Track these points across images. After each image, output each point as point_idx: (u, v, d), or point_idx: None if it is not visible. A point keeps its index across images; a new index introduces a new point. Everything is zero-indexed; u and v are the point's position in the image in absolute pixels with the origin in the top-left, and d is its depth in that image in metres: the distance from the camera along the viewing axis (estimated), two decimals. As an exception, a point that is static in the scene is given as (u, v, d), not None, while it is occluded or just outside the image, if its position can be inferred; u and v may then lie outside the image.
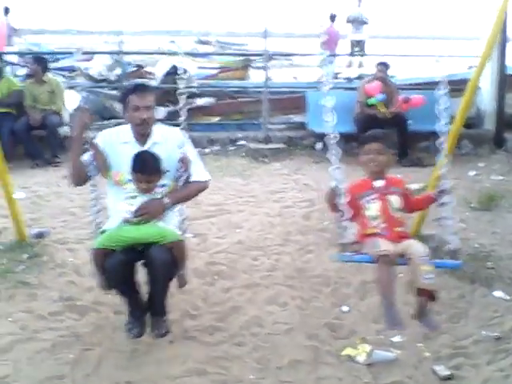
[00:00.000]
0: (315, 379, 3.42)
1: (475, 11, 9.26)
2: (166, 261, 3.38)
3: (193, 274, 4.70)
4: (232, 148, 9.16)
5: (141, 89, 3.62)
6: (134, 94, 3.57)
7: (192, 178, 3.71)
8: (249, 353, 3.66)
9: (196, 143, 8.82)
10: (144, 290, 3.66)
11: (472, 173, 8.08)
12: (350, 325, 4.04)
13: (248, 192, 6.99)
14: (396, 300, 3.21)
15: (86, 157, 3.64)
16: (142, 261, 3.53)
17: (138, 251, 3.45)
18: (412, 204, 3.51)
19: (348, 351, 3.68)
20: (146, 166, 3.44)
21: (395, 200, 3.37)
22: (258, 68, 13.29)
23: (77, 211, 6.03)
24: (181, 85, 4.12)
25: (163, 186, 3.58)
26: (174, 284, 3.68)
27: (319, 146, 9.05)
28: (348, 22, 14.14)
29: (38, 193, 6.82)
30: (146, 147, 3.64)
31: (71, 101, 9.99)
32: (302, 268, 4.87)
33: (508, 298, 4.39)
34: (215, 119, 10.32)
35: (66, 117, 8.78)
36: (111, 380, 3.33)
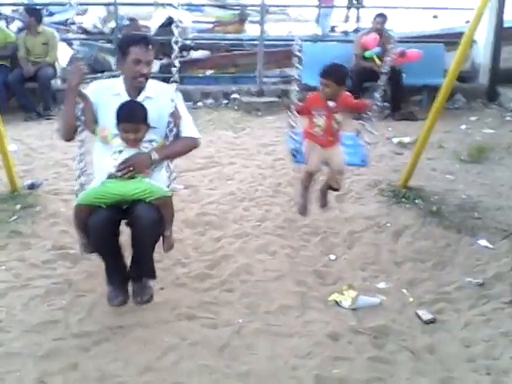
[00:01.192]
0: (302, 323, 3.52)
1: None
2: (153, 218, 3.23)
3: (184, 224, 4.79)
4: (225, 101, 9.14)
5: (145, 42, 3.46)
6: (136, 47, 3.41)
7: (182, 135, 3.56)
8: (238, 298, 3.76)
9: (189, 96, 8.98)
10: (127, 255, 3.51)
11: (463, 126, 8.10)
12: (337, 272, 4.14)
13: (240, 145, 7.02)
14: (308, 198, 4.38)
15: (77, 110, 3.48)
16: (126, 220, 3.38)
17: (123, 209, 3.33)
18: (351, 106, 4.19)
19: (334, 297, 3.79)
20: (133, 114, 3.30)
21: (338, 117, 4.11)
22: (254, 22, 13.13)
23: (70, 163, 6.02)
24: (175, 34, 3.62)
25: (151, 141, 3.41)
26: (159, 246, 3.47)
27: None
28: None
29: (31, 145, 6.84)
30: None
31: (64, 55, 9.94)
32: (291, 218, 4.94)
33: (492, 246, 4.49)
34: (209, 72, 10.26)
35: (59, 69, 8.72)
36: (104, 324, 3.42)
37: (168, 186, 3.50)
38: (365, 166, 4.68)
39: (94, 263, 4.08)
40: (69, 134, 3.54)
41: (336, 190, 4.42)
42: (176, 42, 3.50)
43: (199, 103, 9.05)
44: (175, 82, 3.52)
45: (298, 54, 4.15)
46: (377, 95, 4.44)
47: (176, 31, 3.51)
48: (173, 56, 3.54)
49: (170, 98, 3.45)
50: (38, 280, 3.90)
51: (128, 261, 3.52)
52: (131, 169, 3.25)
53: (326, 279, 4.05)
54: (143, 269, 3.49)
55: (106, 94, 3.53)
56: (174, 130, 3.49)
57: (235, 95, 9.22)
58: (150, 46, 3.47)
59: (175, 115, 3.48)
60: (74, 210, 3.31)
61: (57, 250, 4.31)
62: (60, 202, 5.15)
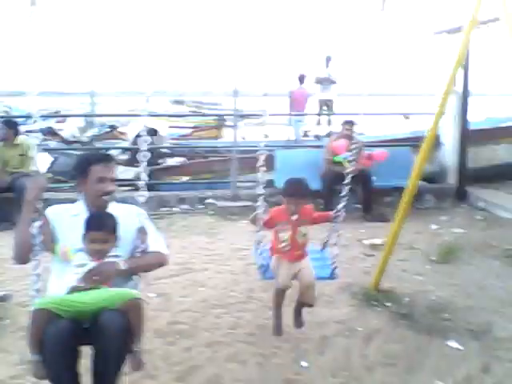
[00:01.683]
0: None
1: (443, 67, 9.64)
2: (120, 326, 2.96)
3: (154, 334, 4.75)
4: (200, 206, 9.28)
5: (106, 159, 3.46)
6: (99, 165, 3.39)
7: (150, 249, 3.47)
8: (206, 411, 3.70)
9: (165, 202, 9.12)
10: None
11: (434, 226, 8.27)
12: (307, 380, 4.11)
13: (213, 250, 7.07)
14: (282, 317, 4.41)
15: (34, 228, 3.25)
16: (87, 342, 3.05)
17: (84, 328, 3.04)
18: (314, 221, 4.33)
19: (304, 406, 3.74)
20: (103, 223, 3.23)
21: (303, 229, 4.21)
22: (232, 127, 13.59)
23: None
24: (142, 147, 3.63)
25: (117, 257, 3.29)
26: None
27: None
28: (316, 82, 14.55)
29: (3, 256, 6.82)
30: None
31: (43, 163, 10.12)
32: (263, 325, 4.93)
33: (462, 348, 4.50)
34: (185, 178, 10.48)
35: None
36: None
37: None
38: (334, 279, 4.58)
39: None
40: (25, 255, 3.28)
41: (310, 305, 4.39)
42: (145, 156, 3.58)
43: (174, 208, 9.17)
44: (143, 196, 3.52)
45: (262, 162, 4.37)
46: (341, 204, 4.40)
47: (143, 146, 3.57)
48: (140, 168, 3.55)
49: (135, 218, 3.41)
50: (3, 397, 3.81)
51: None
52: (96, 278, 3.09)
53: (297, 387, 4.02)
54: None
55: (66, 216, 3.45)
56: (142, 246, 3.42)
57: (210, 200, 9.38)
58: (113, 163, 3.48)
59: (142, 231, 3.43)
60: (30, 317, 3.01)
61: (25, 365, 4.22)
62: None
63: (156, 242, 3.56)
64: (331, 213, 4.43)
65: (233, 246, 7.25)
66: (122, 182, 8.72)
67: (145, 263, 3.44)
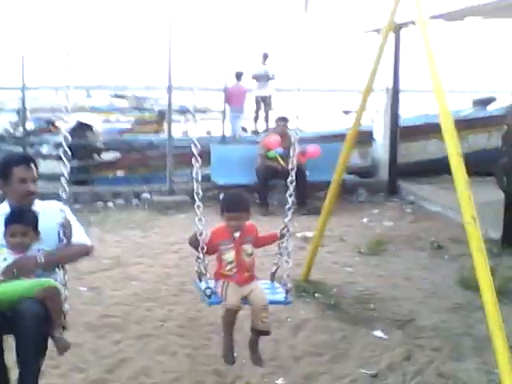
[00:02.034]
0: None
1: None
2: (36, 312, 3.02)
3: (84, 327, 4.74)
4: (135, 201, 9.23)
5: (25, 161, 3.50)
6: (19, 166, 3.43)
7: (73, 241, 3.46)
8: (134, 403, 3.73)
9: (99, 197, 9.04)
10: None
11: (365, 219, 8.49)
12: (236, 370, 4.17)
13: (147, 244, 7.08)
14: (233, 339, 3.78)
15: None
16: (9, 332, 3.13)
17: (5, 317, 3.07)
18: (258, 242, 3.92)
19: (231, 396, 3.81)
20: (23, 216, 3.29)
21: (248, 247, 3.80)
22: (174, 121, 13.53)
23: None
24: (65, 143, 3.49)
25: (39, 250, 3.33)
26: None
27: (222, 197, 9.30)
28: (253, 78, 14.64)
29: None
30: None
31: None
32: (194, 317, 4.99)
33: (386, 337, 4.67)
34: (120, 173, 10.40)
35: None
36: None
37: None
38: (289, 304, 4.10)
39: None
40: None
41: (266, 333, 3.80)
42: (65, 152, 3.53)
43: (109, 203, 9.09)
44: (65, 191, 3.46)
45: (197, 157, 3.81)
46: (287, 217, 3.94)
47: (67, 139, 3.53)
48: (63, 169, 3.44)
49: (58, 211, 3.42)
50: None
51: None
52: (15, 271, 3.15)
53: (226, 378, 4.08)
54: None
55: None
56: (64, 240, 3.43)
57: (146, 195, 9.34)
58: (33, 164, 3.49)
59: (65, 225, 3.43)
60: None
61: None
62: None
63: (79, 234, 3.57)
64: (277, 232, 3.94)
65: (167, 239, 7.26)
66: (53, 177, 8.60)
67: (65, 254, 3.45)
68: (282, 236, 3.93)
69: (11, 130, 12.49)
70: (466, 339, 4.59)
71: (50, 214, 3.45)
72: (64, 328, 3.34)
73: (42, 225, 3.37)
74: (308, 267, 5.65)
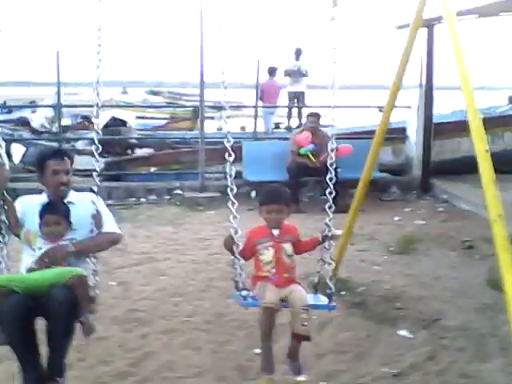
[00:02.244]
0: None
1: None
2: (66, 298, 3.25)
3: (112, 321, 4.84)
4: (168, 197, 9.34)
5: (59, 154, 3.78)
6: (52, 160, 3.71)
7: (103, 230, 3.72)
8: (158, 395, 3.80)
9: (133, 193, 9.17)
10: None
11: (396, 218, 8.43)
12: (259, 366, 4.19)
13: (177, 240, 7.17)
14: (272, 346, 3.62)
15: (2, 214, 3.62)
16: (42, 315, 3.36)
17: (39, 302, 3.30)
18: (300, 247, 3.80)
19: (253, 391, 3.85)
20: (54, 207, 3.55)
21: (288, 247, 3.66)
22: (209, 118, 13.62)
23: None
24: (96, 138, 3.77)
25: (72, 239, 3.57)
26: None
27: (254, 193, 9.37)
28: (286, 75, 14.63)
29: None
30: None
31: (16, 153, 10.16)
32: (220, 313, 5.04)
33: (411, 336, 4.65)
34: (153, 169, 10.54)
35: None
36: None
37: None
38: (334, 309, 3.97)
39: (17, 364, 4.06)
40: None
41: (306, 338, 3.62)
42: (97, 148, 3.70)
43: (142, 199, 9.22)
44: (96, 185, 3.74)
45: (230, 152, 3.71)
46: (328, 220, 3.86)
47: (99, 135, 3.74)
48: (95, 164, 3.70)
49: (91, 202, 3.69)
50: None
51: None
52: (46, 260, 3.40)
53: (248, 374, 4.11)
54: (55, 366, 3.34)
55: (32, 205, 3.71)
56: (95, 230, 3.69)
57: (178, 191, 9.45)
58: (66, 157, 3.75)
59: (97, 217, 3.69)
60: None
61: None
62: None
63: (109, 224, 3.81)
64: (318, 235, 3.83)
65: (197, 236, 7.34)
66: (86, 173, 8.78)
67: (95, 243, 3.70)
68: (325, 239, 3.81)
69: (47, 126, 12.79)
70: (491, 340, 4.53)
71: (83, 204, 3.75)
72: (92, 313, 3.54)
73: (75, 214, 3.62)
74: (336, 265, 5.63)
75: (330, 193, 3.95)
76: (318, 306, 3.84)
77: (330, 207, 3.89)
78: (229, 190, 3.80)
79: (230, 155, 3.71)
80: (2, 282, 3.32)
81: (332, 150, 4.03)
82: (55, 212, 3.53)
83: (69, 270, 3.39)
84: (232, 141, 3.81)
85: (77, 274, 3.36)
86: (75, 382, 3.53)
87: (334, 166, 3.99)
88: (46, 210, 3.54)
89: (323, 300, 3.82)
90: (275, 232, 3.66)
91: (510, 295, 3.43)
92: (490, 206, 3.63)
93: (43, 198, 3.76)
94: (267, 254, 3.61)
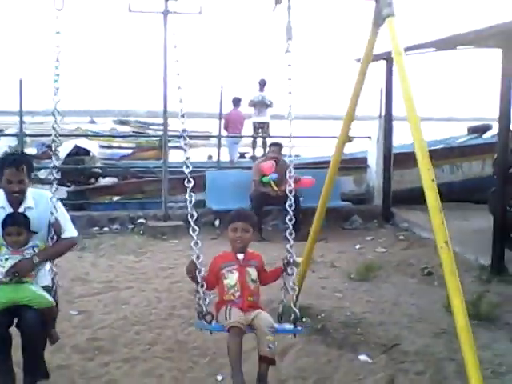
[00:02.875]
0: None
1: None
2: (39, 325, 3.72)
3: (73, 350, 4.80)
4: (131, 226, 9.32)
5: (15, 164, 3.92)
6: (8, 169, 3.90)
7: (62, 235, 4.03)
8: (117, 425, 3.78)
9: (95, 222, 9.13)
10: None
11: (358, 246, 8.57)
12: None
13: (139, 269, 7.15)
14: (241, 366, 3.66)
15: None
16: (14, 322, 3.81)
17: (12, 310, 3.73)
18: (266, 277, 3.95)
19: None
20: (15, 219, 3.83)
21: (252, 272, 3.80)
22: (175, 148, 13.65)
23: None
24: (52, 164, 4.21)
25: (34, 246, 3.88)
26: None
27: (218, 222, 9.43)
28: (251, 105, 14.83)
29: None
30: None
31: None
32: (182, 340, 5.05)
33: (371, 361, 4.72)
34: (116, 198, 10.52)
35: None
36: None
37: (49, 286, 3.99)
38: (300, 331, 4.08)
39: None
40: None
41: (272, 361, 3.67)
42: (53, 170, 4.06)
43: (105, 228, 9.19)
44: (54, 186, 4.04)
45: (189, 179, 3.90)
46: (289, 253, 4.03)
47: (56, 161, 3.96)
48: (53, 162, 4.10)
49: (48, 205, 3.97)
50: None
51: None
52: (16, 274, 3.72)
53: (209, 401, 4.13)
54: (37, 372, 3.90)
55: None
56: (55, 236, 3.98)
57: (141, 220, 9.44)
58: (22, 166, 3.93)
59: (56, 225, 3.97)
60: None
61: None
62: None
63: (67, 227, 4.11)
64: (280, 265, 3.97)
65: (159, 264, 7.34)
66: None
67: (56, 251, 4.03)
68: (287, 266, 3.94)
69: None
70: (449, 364, 4.63)
71: (41, 206, 4.02)
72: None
73: (34, 218, 3.92)
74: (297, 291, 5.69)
75: (290, 219, 4.11)
76: (285, 330, 3.93)
77: (290, 233, 4.06)
78: (189, 216, 3.91)
79: (189, 181, 3.86)
80: None
81: (291, 178, 4.18)
82: (16, 224, 3.81)
83: (41, 299, 3.78)
84: (191, 167, 3.97)
85: (48, 305, 3.80)
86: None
87: (296, 195, 4.14)
88: (7, 222, 3.81)
89: (288, 327, 3.93)
90: (240, 256, 3.81)
91: (460, 320, 3.52)
92: (437, 233, 3.73)
93: (1, 199, 3.98)
94: (232, 278, 3.73)
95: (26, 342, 3.78)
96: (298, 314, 3.90)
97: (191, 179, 3.91)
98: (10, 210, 3.97)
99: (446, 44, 8.34)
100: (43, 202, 4.04)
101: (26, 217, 3.88)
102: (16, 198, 3.97)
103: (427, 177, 3.75)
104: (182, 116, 4.13)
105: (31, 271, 3.84)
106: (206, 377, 4.47)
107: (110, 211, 9.74)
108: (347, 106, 5.19)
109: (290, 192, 4.13)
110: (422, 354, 4.84)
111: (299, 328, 3.93)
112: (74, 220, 8.76)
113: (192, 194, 3.92)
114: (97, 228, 9.09)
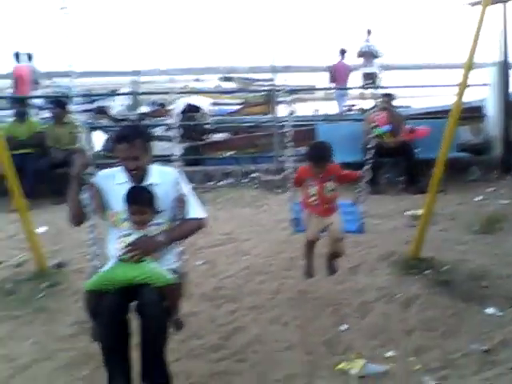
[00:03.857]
0: (310, 391, 3.66)
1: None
2: (159, 304, 3.32)
3: (201, 298, 5.01)
4: (245, 180, 9.48)
5: (127, 139, 3.55)
6: (120, 145, 3.55)
7: (188, 216, 3.68)
8: (249, 368, 3.93)
9: (210, 177, 9.36)
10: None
11: (479, 198, 8.27)
12: (347, 341, 4.27)
13: (257, 221, 7.29)
14: (313, 260, 4.90)
15: (85, 197, 3.63)
16: (134, 302, 3.42)
17: (131, 291, 3.38)
18: (341, 179, 4.71)
19: (342, 365, 3.92)
20: (139, 197, 3.47)
21: (330, 185, 4.63)
22: (281, 102, 13.68)
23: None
24: (175, 123, 4.36)
25: (159, 224, 3.57)
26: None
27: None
28: (359, 56, 14.51)
29: (60, 227, 7.17)
30: None
31: (98, 141, 10.56)
32: (305, 290, 5.13)
33: (500, 313, 4.59)
34: (229, 153, 10.70)
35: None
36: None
37: (176, 271, 3.61)
38: (361, 233, 5.09)
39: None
40: (75, 220, 3.69)
41: (339, 256, 4.86)
42: (177, 132, 3.99)
43: (220, 183, 9.40)
44: (180, 167, 3.75)
45: (288, 135, 5.17)
46: (366, 166, 4.89)
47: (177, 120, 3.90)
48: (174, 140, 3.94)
49: (174, 184, 3.63)
50: (61, 353, 4.14)
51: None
52: (138, 252, 3.38)
53: (336, 349, 4.19)
54: (154, 372, 3.41)
55: (112, 184, 3.67)
56: (180, 213, 3.65)
57: (254, 174, 9.57)
58: (132, 142, 3.53)
59: (180, 200, 3.63)
60: (83, 297, 3.48)
61: (79, 325, 4.53)
62: (84, 280, 5.40)
63: (194, 208, 3.74)
64: (357, 172, 4.82)
65: (276, 217, 7.43)
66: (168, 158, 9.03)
67: (182, 232, 3.67)
68: (360, 178, 4.81)
69: (126, 113, 13.17)
70: None
71: (166, 183, 3.64)
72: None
73: (159, 196, 3.55)
74: (417, 244, 5.61)
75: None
76: (350, 231, 4.89)
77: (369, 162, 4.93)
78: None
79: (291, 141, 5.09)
80: (95, 286, 3.39)
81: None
82: (139, 202, 3.47)
83: (159, 277, 3.38)
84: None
85: (168, 283, 3.40)
86: (170, 355, 3.66)
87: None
88: (130, 200, 3.47)
89: (357, 210, 5.00)
90: (320, 173, 4.58)
91: None
92: None
93: (123, 177, 3.65)
94: (312, 189, 4.64)
95: (145, 328, 3.32)
96: (363, 221, 4.94)
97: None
98: (131, 185, 3.61)
99: None
100: (169, 178, 3.66)
101: (149, 192, 3.51)
102: (136, 175, 3.62)
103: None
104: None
105: (153, 251, 3.47)
106: (331, 326, 4.53)
107: (223, 166, 9.93)
108: (467, 53, 4.95)
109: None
110: (554, 306, 4.65)
111: (362, 230, 4.96)
112: (189, 176, 9.15)
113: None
114: (212, 182, 9.31)
